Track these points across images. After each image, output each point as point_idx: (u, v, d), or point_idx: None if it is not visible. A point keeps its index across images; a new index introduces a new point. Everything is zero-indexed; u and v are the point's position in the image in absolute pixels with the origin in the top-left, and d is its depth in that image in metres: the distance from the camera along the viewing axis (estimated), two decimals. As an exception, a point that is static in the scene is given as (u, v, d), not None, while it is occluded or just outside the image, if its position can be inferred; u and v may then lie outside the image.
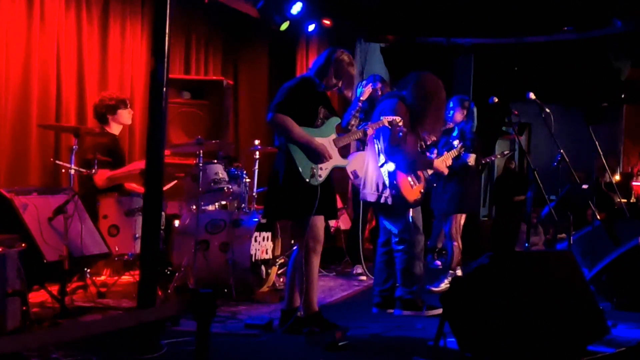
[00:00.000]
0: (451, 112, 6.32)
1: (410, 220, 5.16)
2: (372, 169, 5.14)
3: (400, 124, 4.81)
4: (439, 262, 7.00)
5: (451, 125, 6.34)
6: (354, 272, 6.87)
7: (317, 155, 4.37)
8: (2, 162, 5.60)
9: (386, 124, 4.79)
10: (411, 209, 5.16)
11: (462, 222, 6.36)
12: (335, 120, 4.58)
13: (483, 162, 6.88)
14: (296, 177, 4.33)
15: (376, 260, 5.38)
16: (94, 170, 5.23)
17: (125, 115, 5.76)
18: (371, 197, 5.14)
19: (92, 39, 6.42)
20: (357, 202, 6.50)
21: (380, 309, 5.23)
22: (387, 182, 5.02)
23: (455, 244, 6.28)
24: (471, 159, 6.13)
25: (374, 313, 5.22)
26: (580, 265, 4.31)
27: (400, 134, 4.87)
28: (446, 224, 6.36)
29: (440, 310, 5.05)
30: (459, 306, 3.84)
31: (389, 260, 5.25)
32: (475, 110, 6.34)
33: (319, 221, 4.45)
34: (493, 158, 7.46)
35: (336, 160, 4.55)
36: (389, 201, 5.04)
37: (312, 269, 4.43)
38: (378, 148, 5.06)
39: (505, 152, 7.96)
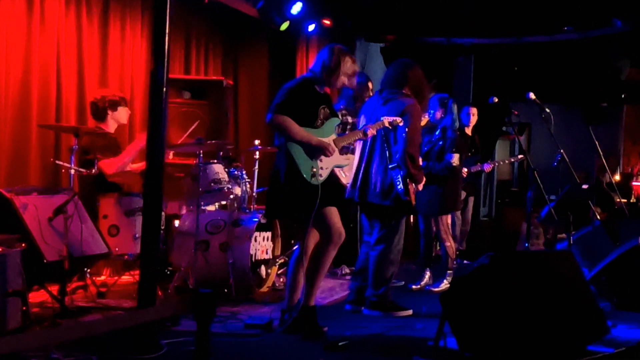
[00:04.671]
0: (431, 111, 6.35)
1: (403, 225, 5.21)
2: (379, 169, 5.11)
3: (401, 124, 4.81)
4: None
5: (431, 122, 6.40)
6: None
7: (319, 152, 4.38)
8: (2, 162, 5.60)
9: (387, 125, 4.79)
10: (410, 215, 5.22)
11: (449, 221, 6.36)
12: (335, 121, 4.58)
13: (479, 168, 6.90)
14: (297, 177, 4.33)
15: (360, 255, 5.38)
16: (94, 170, 5.24)
17: (123, 113, 5.79)
18: (374, 198, 5.12)
19: (92, 39, 6.41)
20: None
21: (353, 306, 5.23)
22: (399, 186, 5.00)
23: (448, 244, 6.26)
24: (455, 158, 6.12)
25: (347, 310, 5.22)
26: (580, 265, 4.32)
27: (404, 134, 4.88)
28: (435, 227, 6.36)
29: (408, 312, 5.12)
30: (459, 306, 3.84)
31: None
32: (454, 106, 6.33)
33: (335, 213, 4.45)
34: (491, 166, 7.29)
35: (337, 159, 4.55)
36: (395, 204, 5.04)
37: (327, 262, 4.45)
38: (389, 150, 5.04)
39: (512, 159, 7.91)
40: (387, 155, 5.04)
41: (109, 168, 5.47)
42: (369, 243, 5.30)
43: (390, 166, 5.03)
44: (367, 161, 5.16)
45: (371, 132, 4.76)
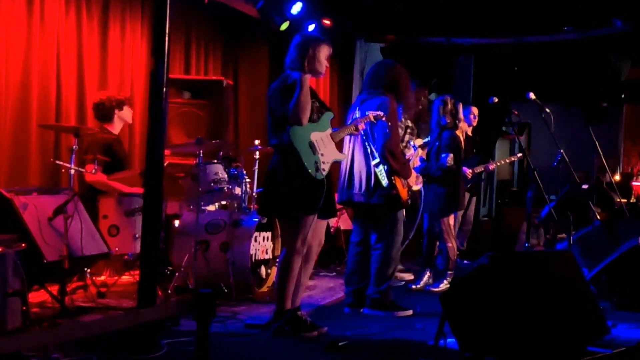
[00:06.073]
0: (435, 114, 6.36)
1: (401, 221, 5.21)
2: (361, 168, 5.11)
3: (384, 119, 4.86)
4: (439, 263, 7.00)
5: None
6: None
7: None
8: (2, 162, 5.60)
9: (372, 119, 4.83)
10: (403, 210, 5.22)
11: (452, 222, 6.35)
12: (329, 115, 4.57)
13: (482, 169, 6.91)
14: (299, 174, 4.29)
15: (349, 259, 5.36)
16: (94, 170, 5.23)
17: (128, 112, 5.83)
18: (359, 198, 5.12)
19: (92, 39, 6.41)
20: None
21: (353, 309, 5.22)
22: (384, 182, 5.01)
23: (449, 245, 6.25)
24: (449, 159, 6.11)
25: (346, 313, 5.19)
26: (580, 265, 4.32)
27: (387, 129, 4.94)
28: (437, 227, 6.35)
29: (408, 312, 5.12)
30: (459, 306, 3.84)
31: (363, 259, 5.25)
32: (443, 106, 6.33)
33: (311, 222, 4.38)
34: (493, 165, 7.29)
35: (335, 154, 4.56)
36: (382, 201, 5.05)
37: (292, 268, 4.38)
38: (370, 148, 5.06)
39: (512, 158, 7.92)
40: (369, 152, 5.05)
41: (90, 176, 5.41)
42: (355, 243, 5.30)
43: (373, 162, 5.05)
44: (350, 160, 5.16)
45: (361, 126, 4.79)
